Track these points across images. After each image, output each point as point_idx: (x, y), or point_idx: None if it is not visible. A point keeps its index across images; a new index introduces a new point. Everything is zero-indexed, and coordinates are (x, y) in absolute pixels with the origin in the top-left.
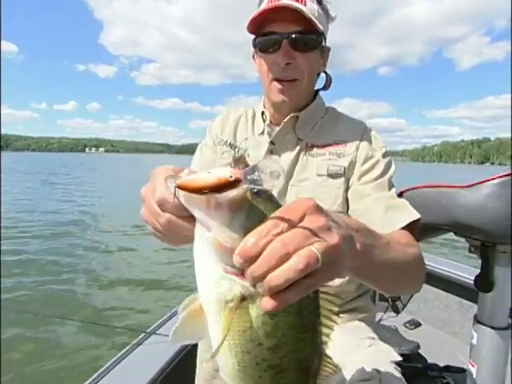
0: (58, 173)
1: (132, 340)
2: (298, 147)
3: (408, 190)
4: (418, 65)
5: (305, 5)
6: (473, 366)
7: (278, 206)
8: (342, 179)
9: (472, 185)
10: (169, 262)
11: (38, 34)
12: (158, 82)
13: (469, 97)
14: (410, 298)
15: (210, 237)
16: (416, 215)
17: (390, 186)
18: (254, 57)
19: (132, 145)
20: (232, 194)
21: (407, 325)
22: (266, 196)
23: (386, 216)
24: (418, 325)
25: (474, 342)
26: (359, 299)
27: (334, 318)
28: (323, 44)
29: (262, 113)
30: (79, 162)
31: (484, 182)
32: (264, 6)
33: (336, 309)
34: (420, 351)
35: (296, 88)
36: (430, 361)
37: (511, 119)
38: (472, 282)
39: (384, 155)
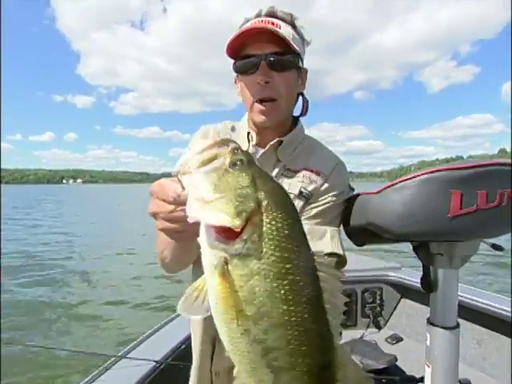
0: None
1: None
2: (276, 168)
3: (354, 197)
4: (392, 88)
5: (279, 28)
6: (428, 366)
7: (254, 172)
8: (304, 201)
9: (380, 191)
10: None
11: (14, 66)
12: (137, 112)
13: (440, 118)
14: (392, 312)
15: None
16: (324, 249)
17: (332, 213)
18: (235, 81)
19: (111, 175)
20: (214, 165)
21: (389, 340)
22: (241, 166)
23: None
24: (399, 339)
25: (428, 343)
26: None
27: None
28: (300, 64)
29: (248, 133)
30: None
31: (387, 187)
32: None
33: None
34: (399, 364)
35: (276, 108)
36: (408, 373)
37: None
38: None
39: (342, 193)
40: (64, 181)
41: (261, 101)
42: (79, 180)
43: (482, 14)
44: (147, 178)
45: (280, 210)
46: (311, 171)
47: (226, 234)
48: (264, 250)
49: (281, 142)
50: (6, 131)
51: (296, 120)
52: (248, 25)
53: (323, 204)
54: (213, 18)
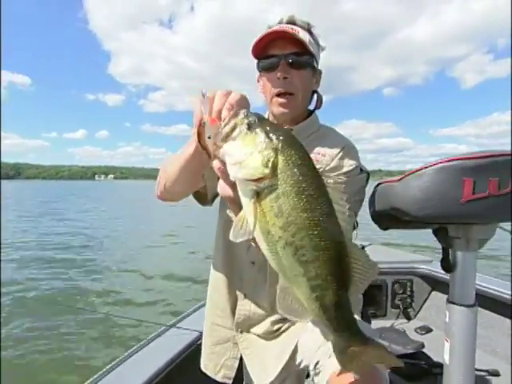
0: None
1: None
2: None
3: (379, 184)
4: (422, 84)
5: (298, 33)
6: (447, 341)
7: (266, 126)
8: None
9: (400, 178)
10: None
11: (50, 67)
12: (165, 109)
13: (474, 114)
14: (422, 305)
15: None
16: None
17: (337, 194)
18: (258, 80)
19: (141, 171)
20: (236, 133)
21: (418, 330)
22: (255, 126)
23: None
24: (428, 330)
25: (447, 319)
26: None
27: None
28: (315, 65)
29: None
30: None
31: (407, 175)
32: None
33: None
34: (426, 351)
35: (293, 101)
36: (434, 360)
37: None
38: (490, 291)
39: (350, 171)
40: (96, 177)
41: (280, 95)
42: (110, 176)
43: None
44: None
45: (291, 148)
46: (318, 154)
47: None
48: (284, 178)
49: (291, 131)
50: (42, 129)
51: (311, 113)
52: (270, 30)
53: (329, 182)
54: (239, 15)
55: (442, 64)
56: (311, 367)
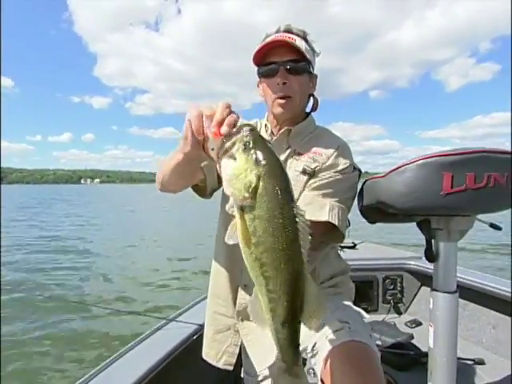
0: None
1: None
2: (287, 152)
3: (366, 181)
4: (408, 87)
5: (295, 41)
6: (431, 326)
7: (257, 151)
8: (307, 177)
9: (385, 174)
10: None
11: (33, 69)
12: (153, 112)
13: (458, 117)
14: (412, 299)
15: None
16: (319, 217)
17: (333, 188)
18: (258, 85)
19: (127, 175)
20: (232, 151)
21: (408, 324)
22: (249, 147)
23: (305, 207)
24: (418, 324)
25: (431, 306)
26: (337, 277)
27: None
28: (311, 70)
29: (265, 125)
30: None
31: (391, 171)
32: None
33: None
34: (415, 342)
35: (291, 103)
36: (423, 350)
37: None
38: (476, 285)
39: (344, 169)
40: (82, 181)
41: (280, 98)
42: (97, 180)
43: (503, 9)
44: None
45: (272, 178)
46: (315, 153)
47: None
48: (261, 203)
49: (289, 131)
50: (26, 132)
51: (308, 115)
52: (269, 39)
53: (325, 179)
54: (227, 18)
55: (427, 67)
56: (309, 349)
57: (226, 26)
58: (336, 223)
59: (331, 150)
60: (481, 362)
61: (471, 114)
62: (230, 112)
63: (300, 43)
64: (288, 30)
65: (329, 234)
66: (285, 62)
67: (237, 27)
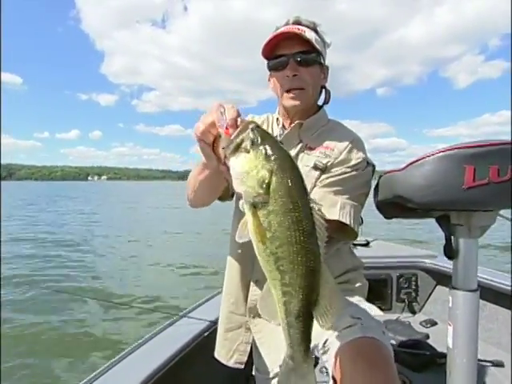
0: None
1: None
2: (298, 146)
3: (383, 174)
4: (416, 85)
5: (304, 33)
6: (450, 325)
7: (267, 147)
8: (319, 172)
9: (404, 167)
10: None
11: (42, 66)
12: (159, 110)
13: (467, 115)
14: (427, 299)
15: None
16: (330, 215)
17: (346, 184)
18: (269, 79)
19: (134, 172)
20: (241, 149)
21: (423, 323)
22: (257, 144)
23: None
24: (433, 324)
25: (450, 305)
26: (349, 273)
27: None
28: (322, 61)
29: (277, 119)
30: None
31: (410, 164)
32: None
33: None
34: (430, 342)
35: (303, 95)
36: (438, 350)
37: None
38: (495, 284)
39: (357, 164)
40: (89, 177)
41: (290, 90)
42: (104, 177)
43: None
44: (170, 175)
45: (285, 171)
46: (327, 148)
47: None
48: (275, 198)
49: (301, 125)
50: (34, 129)
51: (320, 108)
52: (278, 31)
53: (337, 175)
54: (233, 15)
55: (435, 64)
56: (320, 346)
57: (232, 24)
58: (347, 222)
59: (344, 145)
60: (500, 364)
61: (479, 111)
62: (238, 112)
63: (309, 34)
64: (297, 22)
65: (341, 231)
66: (294, 53)
67: (243, 25)
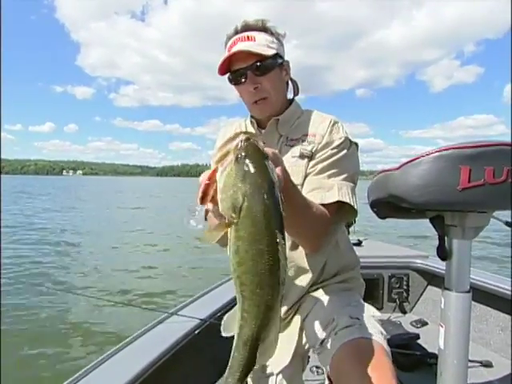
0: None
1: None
2: (280, 140)
3: (379, 173)
4: (394, 87)
5: (254, 40)
6: (442, 327)
7: (247, 166)
8: (306, 160)
9: (399, 167)
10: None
11: (13, 56)
12: (137, 104)
13: (442, 117)
14: (418, 299)
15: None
16: (330, 199)
17: (337, 167)
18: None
19: (111, 167)
20: (224, 164)
21: (413, 323)
22: (240, 161)
23: (312, 192)
24: (424, 324)
25: (442, 306)
26: (348, 271)
27: (285, 267)
28: (280, 61)
29: (251, 122)
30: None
31: (406, 163)
32: (226, 50)
33: (285, 255)
34: (420, 342)
35: (268, 103)
36: (429, 350)
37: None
38: (485, 285)
39: (341, 144)
40: (64, 172)
41: (255, 102)
42: (79, 172)
43: (488, 13)
44: (148, 170)
45: (258, 197)
46: (308, 135)
47: None
48: (244, 225)
49: (277, 120)
50: (5, 121)
51: (291, 101)
52: (229, 43)
53: (325, 158)
54: (214, 10)
55: (413, 68)
56: (317, 346)
57: (212, 19)
58: (347, 200)
59: (324, 128)
60: (488, 365)
61: (454, 115)
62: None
63: (260, 38)
64: (246, 28)
65: (341, 211)
66: (250, 65)
67: (223, 20)
